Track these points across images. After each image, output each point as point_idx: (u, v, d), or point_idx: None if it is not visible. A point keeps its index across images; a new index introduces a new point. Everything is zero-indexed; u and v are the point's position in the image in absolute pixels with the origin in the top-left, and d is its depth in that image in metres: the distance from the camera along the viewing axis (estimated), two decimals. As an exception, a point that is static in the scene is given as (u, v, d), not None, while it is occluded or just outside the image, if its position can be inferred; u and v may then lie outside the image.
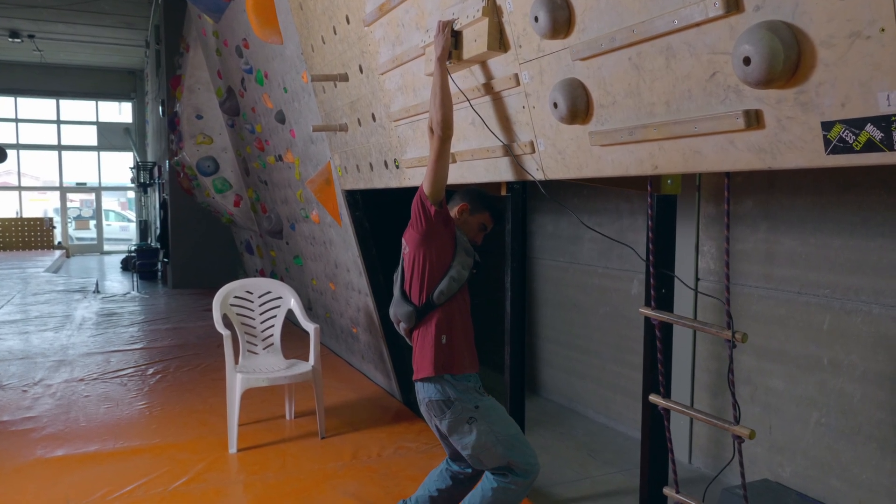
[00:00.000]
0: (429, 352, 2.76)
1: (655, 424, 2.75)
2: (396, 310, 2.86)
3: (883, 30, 1.41)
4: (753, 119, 1.74)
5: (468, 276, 2.80)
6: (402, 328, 2.88)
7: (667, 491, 2.61)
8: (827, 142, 1.60)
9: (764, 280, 3.65)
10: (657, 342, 2.57)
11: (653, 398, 2.56)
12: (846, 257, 3.25)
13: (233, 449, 4.25)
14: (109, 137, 22.02)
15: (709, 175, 3.91)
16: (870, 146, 1.52)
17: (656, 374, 2.62)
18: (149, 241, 17.85)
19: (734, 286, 3.77)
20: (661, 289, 2.62)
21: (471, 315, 2.90)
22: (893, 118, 1.46)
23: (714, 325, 2.27)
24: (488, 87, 2.78)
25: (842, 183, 3.27)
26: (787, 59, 1.58)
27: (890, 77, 1.43)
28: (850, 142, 1.55)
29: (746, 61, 1.63)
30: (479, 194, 2.97)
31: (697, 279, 4.04)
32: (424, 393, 2.78)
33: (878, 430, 3.13)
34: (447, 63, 2.74)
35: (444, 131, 2.67)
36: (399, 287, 2.87)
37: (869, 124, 1.50)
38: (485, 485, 2.75)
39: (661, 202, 2.68)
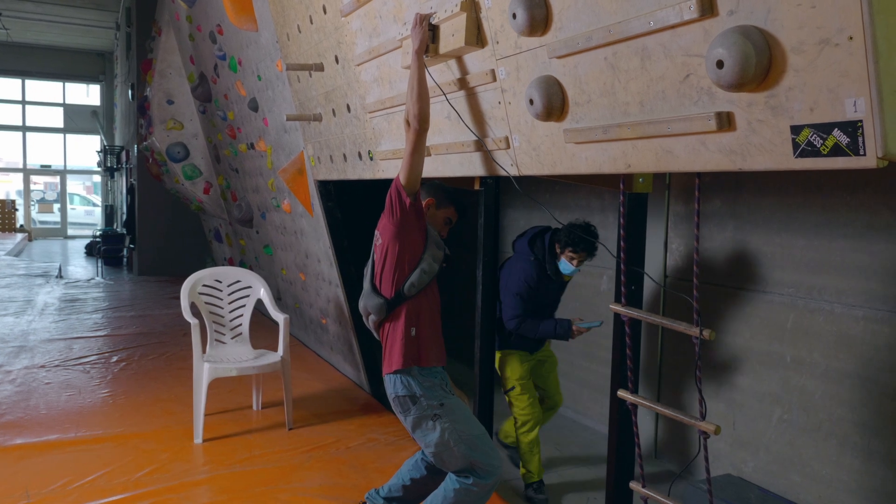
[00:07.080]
0: (398, 345, 2.75)
1: (623, 419, 2.78)
2: (367, 302, 2.85)
3: (851, 38, 1.44)
4: (725, 121, 1.77)
5: (438, 270, 2.81)
6: (371, 321, 2.87)
7: (633, 485, 2.64)
8: (795, 145, 1.64)
9: (730, 278, 3.71)
10: (626, 338, 2.61)
11: (621, 393, 2.59)
12: (810, 257, 3.32)
13: (198, 439, 4.21)
14: (76, 120, 21.56)
15: (679, 174, 3.96)
16: (836, 150, 1.55)
17: (625, 369, 2.65)
18: (115, 227, 17.54)
19: (701, 284, 3.83)
20: (630, 285, 2.65)
21: (440, 308, 2.91)
22: (859, 124, 1.49)
23: (682, 322, 2.31)
24: (464, 82, 2.78)
25: (807, 185, 3.34)
26: (759, 64, 1.61)
27: (857, 84, 1.47)
28: (818, 146, 1.59)
29: (719, 64, 1.66)
30: (443, 189, 2.99)
31: (666, 276, 4.10)
32: (392, 388, 2.78)
33: (838, 426, 3.21)
34: (424, 56, 2.74)
35: (420, 124, 2.68)
36: (369, 280, 2.87)
37: (836, 129, 1.54)
38: (447, 485, 2.75)
39: (632, 200, 2.71)
